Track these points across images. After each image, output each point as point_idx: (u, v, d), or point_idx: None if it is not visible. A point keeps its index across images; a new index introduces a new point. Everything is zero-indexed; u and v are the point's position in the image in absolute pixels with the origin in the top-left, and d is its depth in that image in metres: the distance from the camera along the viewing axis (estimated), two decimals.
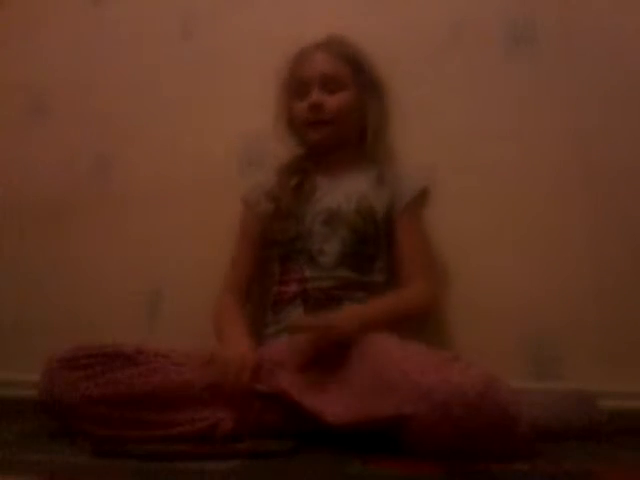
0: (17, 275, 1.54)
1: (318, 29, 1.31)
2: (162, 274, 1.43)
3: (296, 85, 1.23)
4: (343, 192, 1.19)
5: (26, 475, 0.71)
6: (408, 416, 0.80)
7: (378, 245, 1.18)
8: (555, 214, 1.24)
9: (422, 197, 1.22)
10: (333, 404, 0.90)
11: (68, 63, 1.62)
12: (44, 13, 1.66)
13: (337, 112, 1.19)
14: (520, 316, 1.21)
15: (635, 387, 1.13)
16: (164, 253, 1.44)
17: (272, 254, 1.21)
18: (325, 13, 1.43)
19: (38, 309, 1.50)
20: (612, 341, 1.17)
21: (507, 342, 1.19)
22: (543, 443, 0.86)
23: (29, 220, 1.56)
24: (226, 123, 1.44)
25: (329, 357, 0.97)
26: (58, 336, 1.36)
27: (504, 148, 1.27)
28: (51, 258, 1.53)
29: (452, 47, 1.34)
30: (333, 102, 1.19)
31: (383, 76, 1.28)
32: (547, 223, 1.23)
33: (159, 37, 1.55)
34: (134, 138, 1.53)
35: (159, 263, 1.44)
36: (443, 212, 1.25)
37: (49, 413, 0.99)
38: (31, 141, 1.61)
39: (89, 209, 1.53)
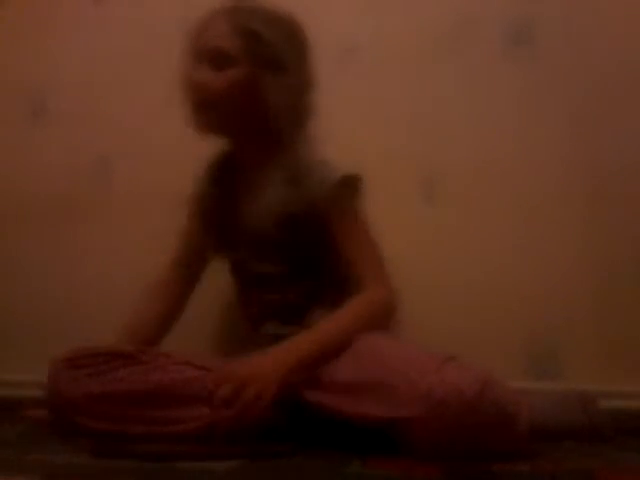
0: (17, 275, 1.54)
1: (318, 29, 1.31)
2: None
3: (192, 58, 1.07)
4: (261, 204, 1.07)
5: (26, 475, 0.71)
6: (406, 418, 0.80)
7: (318, 248, 1.07)
8: (555, 214, 1.24)
9: (346, 188, 1.04)
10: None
11: (69, 63, 1.62)
12: (45, 13, 1.66)
13: (224, 91, 1.03)
14: (520, 316, 1.21)
15: (635, 387, 1.13)
16: (164, 253, 1.44)
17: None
18: (325, 13, 1.43)
19: (39, 309, 1.50)
20: (612, 341, 1.17)
21: (507, 342, 1.20)
22: (543, 443, 0.87)
23: (30, 220, 1.56)
24: None
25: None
26: (58, 336, 1.36)
27: (504, 148, 1.27)
28: (52, 258, 1.52)
29: (452, 47, 1.34)
30: (220, 79, 1.03)
31: (385, 80, 1.26)
32: (547, 223, 1.24)
33: (160, 37, 1.55)
34: (135, 139, 1.53)
35: (159, 263, 1.44)
36: (442, 212, 1.25)
37: (53, 410, 0.99)
38: (31, 141, 1.61)
39: (90, 210, 1.53)
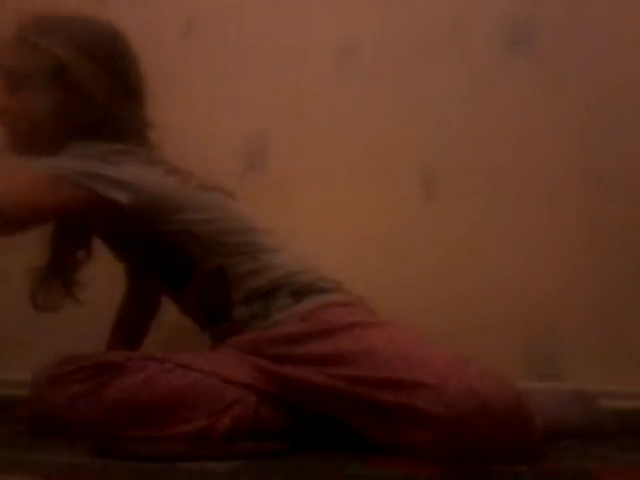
0: (16, 275, 1.54)
1: (318, 29, 1.32)
2: None
3: None
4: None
5: (26, 475, 0.71)
6: (426, 414, 0.80)
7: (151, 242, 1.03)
8: (555, 214, 1.24)
9: None
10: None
11: None
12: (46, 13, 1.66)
13: (23, 115, 0.97)
14: (520, 316, 1.21)
15: (635, 387, 1.13)
16: None
17: None
18: (325, 13, 1.43)
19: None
20: (612, 341, 1.17)
21: (507, 341, 1.20)
22: (544, 443, 0.87)
23: None
24: (226, 123, 1.44)
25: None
26: (59, 336, 1.36)
27: (504, 148, 1.27)
28: None
29: (452, 47, 1.34)
30: (14, 103, 0.97)
31: (385, 80, 1.26)
32: (548, 223, 1.24)
33: (160, 37, 1.55)
34: None
35: None
36: (442, 212, 1.25)
37: (42, 432, 0.95)
38: None
39: None
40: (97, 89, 0.98)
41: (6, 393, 1.37)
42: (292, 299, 0.98)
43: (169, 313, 1.24)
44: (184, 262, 1.01)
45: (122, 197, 0.93)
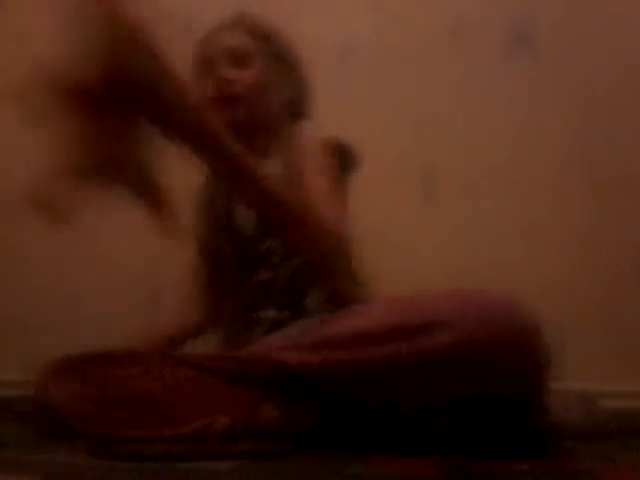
0: (18, 275, 1.54)
1: (318, 29, 1.32)
2: (163, 274, 1.43)
3: (203, 66, 1.12)
4: None
5: (26, 475, 0.71)
6: (443, 322, 0.80)
7: None
8: (556, 214, 1.24)
9: (333, 148, 1.09)
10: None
11: None
12: (45, 13, 1.66)
13: (248, 87, 1.09)
14: None
15: (636, 387, 1.13)
16: (164, 253, 1.44)
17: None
18: (325, 13, 1.43)
19: (39, 309, 1.50)
20: (613, 341, 1.17)
21: None
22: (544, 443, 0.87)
23: (29, 220, 1.56)
24: None
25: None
26: (59, 336, 1.36)
27: (504, 148, 1.27)
28: (51, 258, 1.53)
29: (452, 47, 1.34)
30: (243, 76, 1.09)
31: (385, 80, 1.27)
32: (548, 223, 1.24)
33: (159, 37, 1.55)
34: None
35: (160, 262, 1.44)
36: (443, 212, 1.25)
37: (45, 421, 0.97)
38: (31, 141, 1.61)
39: (90, 209, 1.53)
40: (296, 72, 1.16)
41: (6, 394, 1.37)
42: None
43: None
44: None
45: None
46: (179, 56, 1.58)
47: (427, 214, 1.27)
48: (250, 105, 1.10)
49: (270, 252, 1.08)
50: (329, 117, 1.39)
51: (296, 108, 1.15)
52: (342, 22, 1.38)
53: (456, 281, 1.24)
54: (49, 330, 1.45)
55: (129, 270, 1.47)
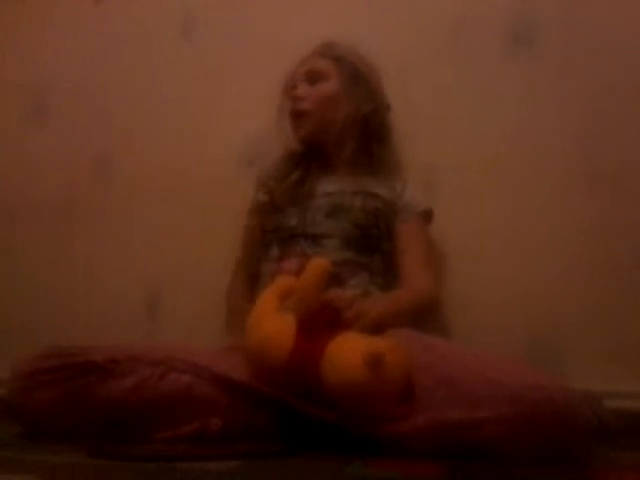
0: (17, 275, 1.54)
1: (318, 29, 1.32)
2: (162, 274, 1.43)
3: (287, 87, 1.26)
4: (351, 189, 1.20)
5: (26, 475, 0.71)
6: (485, 419, 0.78)
7: (379, 241, 1.19)
8: (557, 214, 1.23)
9: (428, 215, 1.24)
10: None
11: (69, 63, 1.62)
12: (45, 13, 1.66)
13: (315, 103, 1.21)
14: (524, 316, 1.21)
15: (639, 387, 1.13)
16: (164, 253, 1.44)
17: (270, 238, 1.21)
18: (325, 13, 1.43)
19: (38, 309, 1.50)
20: (616, 341, 1.16)
21: (510, 342, 1.19)
22: None
23: (30, 220, 1.57)
24: (226, 123, 1.44)
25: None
26: (58, 336, 1.36)
27: (504, 147, 1.27)
28: (50, 258, 1.53)
29: (452, 47, 1.34)
30: (312, 93, 1.21)
31: (386, 80, 1.27)
32: (549, 223, 1.23)
33: (159, 37, 1.55)
34: (134, 138, 1.53)
35: (159, 263, 1.44)
36: (443, 212, 1.25)
37: (31, 433, 0.94)
38: (31, 141, 1.61)
39: (89, 209, 1.53)
40: (369, 88, 1.25)
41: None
42: None
43: None
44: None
45: None
46: (178, 56, 1.58)
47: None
48: (316, 120, 1.21)
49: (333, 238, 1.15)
50: None
51: (372, 126, 1.24)
52: (342, 22, 1.38)
53: (456, 280, 1.25)
54: (49, 330, 1.45)
55: (129, 270, 1.46)
